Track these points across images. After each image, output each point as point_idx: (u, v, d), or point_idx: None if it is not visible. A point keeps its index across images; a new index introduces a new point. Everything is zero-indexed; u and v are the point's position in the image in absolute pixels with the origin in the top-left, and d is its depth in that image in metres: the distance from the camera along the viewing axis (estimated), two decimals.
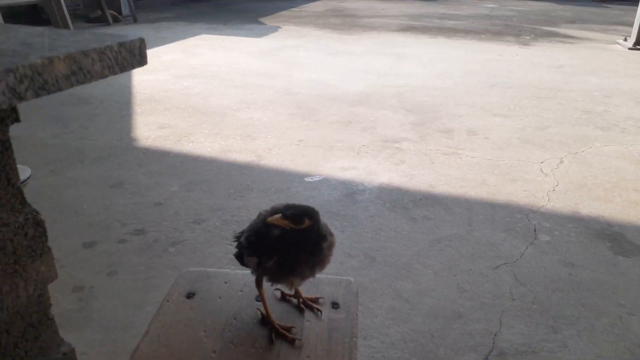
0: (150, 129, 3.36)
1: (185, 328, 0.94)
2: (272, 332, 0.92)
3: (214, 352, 0.89)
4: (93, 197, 2.41)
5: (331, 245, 0.89)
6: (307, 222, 0.82)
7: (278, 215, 0.81)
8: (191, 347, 0.89)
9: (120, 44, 0.94)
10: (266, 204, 2.38)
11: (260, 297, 0.95)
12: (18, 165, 2.69)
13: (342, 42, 6.44)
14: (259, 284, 0.95)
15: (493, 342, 1.53)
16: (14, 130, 2.76)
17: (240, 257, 0.94)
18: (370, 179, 2.69)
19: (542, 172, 2.77)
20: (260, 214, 0.92)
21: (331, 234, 0.89)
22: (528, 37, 6.94)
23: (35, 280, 1.17)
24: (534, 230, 2.17)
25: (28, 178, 2.51)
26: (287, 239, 0.83)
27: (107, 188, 2.50)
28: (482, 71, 5.03)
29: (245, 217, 2.26)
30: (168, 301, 1.02)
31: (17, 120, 1.12)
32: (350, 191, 2.55)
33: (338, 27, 7.56)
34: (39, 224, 1.18)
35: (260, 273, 0.91)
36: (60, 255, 1.91)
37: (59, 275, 1.77)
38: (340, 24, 7.83)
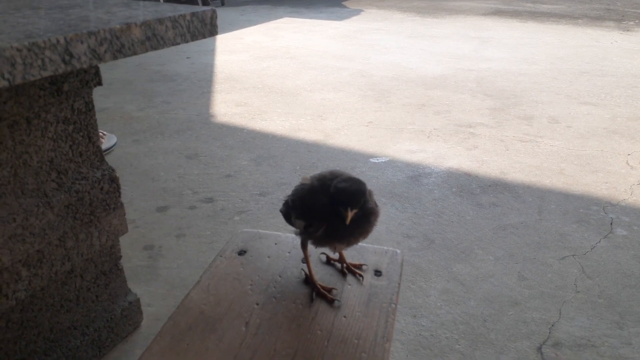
0: (228, 106, 3.52)
1: (234, 281, 1.01)
2: (313, 291, 0.96)
3: (257, 304, 0.94)
4: (170, 166, 2.58)
5: (377, 216, 0.91)
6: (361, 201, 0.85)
7: (352, 213, 0.82)
8: (237, 298, 0.95)
9: (193, 14, 1.02)
10: None
11: (305, 258, 1.00)
12: (107, 134, 2.98)
13: (424, 25, 6.30)
14: (304, 245, 0.99)
15: (549, 332, 1.48)
16: (104, 102, 3.09)
17: (287, 215, 0.98)
18: (439, 162, 2.65)
19: (629, 164, 2.58)
20: (304, 179, 0.96)
21: (376, 205, 0.91)
22: (632, 23, 6.38)
23: (107, 231, 1.30)
24: (610, 223, 2.04)
25: (114, 145, 2.73)
26: (334, 209, 0.86)
27: (183, 158, 2.67)
28: (573, 57, 4.72)
29: None
30: (221, 256, 1.09)
31: (99, 83, 1.24)
32: (416, 174, 2.52)
33: (422, 10, 7.39)
34: (114, 180, 1.30)
35: (306, 236, 0.95)
36: (136, 216, 2.08)
37: (133, 235, 1.93)
38: (425, 7, 7.64)
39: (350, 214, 0.81)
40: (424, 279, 1.73)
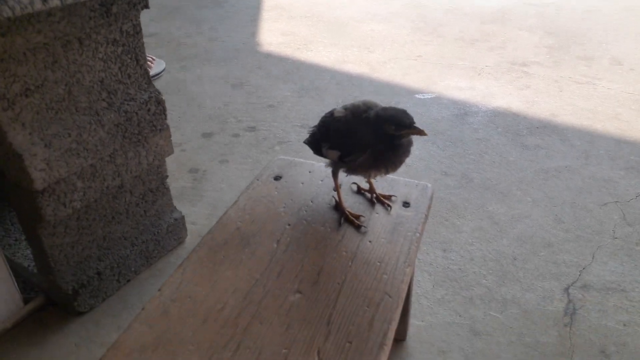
0: (274, 34, 3.49)
1: (268, 203, 1.07)
2: (342, 217, 1.01)
3: (289, 225, 1.01)
4: (215, 93, 2.64)
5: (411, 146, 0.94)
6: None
7: (417, 127, 0.86)
8: (270, 218, 1.02)
9: None
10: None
11: (335, 187, 1.04)
12: (156, 59, 3.04)
13: None
14: (335, 174, 1.03)
15: (579, 275, 1.49)
16: (153, 27, 3.12)
17: (315, 146, 1.01)
18: (487, 101, 2.58)
19: None
20: (337, 111, 0.97)
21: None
22: None
23: (154, 151, 1.38)
24: None
25: (163, 70, 2.80)
26: (377, 138, 0.88)
27: (229, 87, 2.72)
28: None
29: None
30: (258, 180, 1.15)
31: (146, 6, 1.27)
32: (462, 112, 2.48)
33: None
34: (160, 102, 1.36)
35: (340, 165, 0.98)
36: (183, 140, 2.18)
37: (179, 158, 2.03)
38: None
39: (419, 129, 0.86)
40: (458, 216, 1.75)
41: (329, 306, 0.81)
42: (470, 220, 1.73)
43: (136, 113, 1.30)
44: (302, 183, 1.14)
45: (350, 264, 0.90)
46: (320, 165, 1.21)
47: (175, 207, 1.58)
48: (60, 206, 1.16)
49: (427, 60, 3.07)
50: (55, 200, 1.14)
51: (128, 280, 1.44)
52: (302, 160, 1.25)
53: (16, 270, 1.34)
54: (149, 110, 1.33)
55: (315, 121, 2.48)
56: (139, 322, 0.79)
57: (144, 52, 1.30)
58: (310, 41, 3.38)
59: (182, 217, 1.58)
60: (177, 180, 1.90)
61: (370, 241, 0.96)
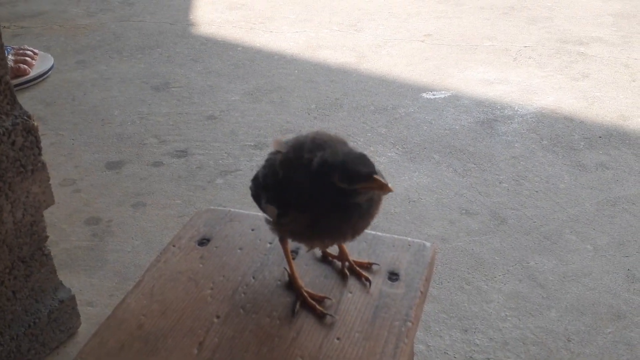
0: (217, 9, 3.53)
1: (188, 282, 1.07)
2: (298, 300, 1.01)
3: (218, 317, 1.00)
4: (128, 100, 2.64)
5: (380, 200, 0.95)
6: None
7: (379, 179, 0.87)
8: (190, 307, 1.01)
9: None
10: (358, 128, 2.46)
11: (285, 255, 1.04)
12: (40, 53, 3.09)
13: None
14: (282, 239, 1.03)
15: None
16: (38, 3, 3.17)
17: (257, 197, 1.02)
18: (526, 99, 2.62)
19: None
20: (278, 143, 0.98)
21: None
22: None
23: (24, 203, 1.37)
24: None
25: (49, 70, 2.80)
26: (321, 194, 0.88)
27: (148, 90, 2.73)
28: None
29: None
30: (174, 246, 1.15)
31: None
32: (490, 117, 2.51)
33: None
34: (30, 131, 1.36)
35: (280, 228, 0.98)
36: (77, 176, 2.17)
37: (72, 202, 2.02)
38: None
39: (382, 181, 0.87)
40: (485, 277, 1.76)
41: None
42: (503, 283, 1.74)
43: None
44: (241, 249, 1.14)
45: None
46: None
47: (61, 283, 1.56)
48: None
49: (439, 42, 3.11)
50: None
51: None
52: (241, 211, 1.25)
53: None
54: (13, 143, 1.32)
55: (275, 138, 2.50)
56: None
57: (4, 59, 1.30)
58: (269, 17, 3.41)
59: (72, 298, 1.56)
60: (67, 238, 1.89)
61: (338, 338, 0.96)
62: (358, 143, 2.36)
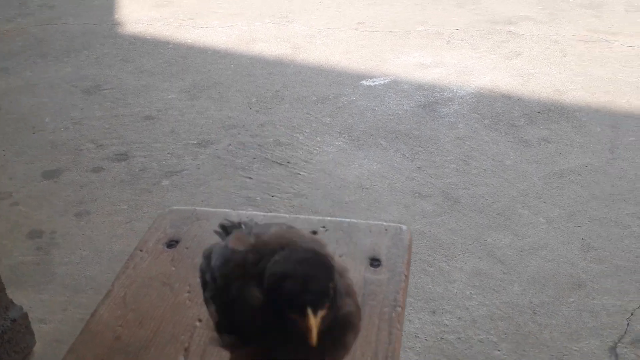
0: (142, 7, 3.44)
1: (163, 287, 1.01)
2: None
3: (200, 320, 0.95)
4: (59, 106, 2.54)
5: (357, 330, 0.71)
6: (332, 285, 0.65)
7: (312, 320, 0.61)
8: (168, 313, 0.96)
9: None
10: (302, 119, 2.43)
11: None
12: None
13: None
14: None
15: (627, 324, 1.54)
16: None
17: (203, 282, 0.80)
18: (464, 80, 2.65)
19: None
20: (237, 240, 0.76)
21: (356, 302, 0.72)
22: None
23: None
24: None
25: None
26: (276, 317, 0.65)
27: (79, 94, 2.63)
28: None
29: (271, 138, 2.31)
30: (141, 250, 1.09)
31: None
32: (431, 100, 2.53)
33: None
34: None
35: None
36: (13, 188, 2.07)
37: (10, 216, 1.92)
38: None
39: (314, 323, 0.60)
40: (446, 258, 1.77)
41: None
42: (464, 262, 1.75)
43: None
44: None
45: None
46: (238, 214, 1.17)
47: (11, 301, 1.47)
48: None
49: (372, 29, 3.12)
50: None
51: None
52: (207, 209, 1.20)
53: None
54: None
55: (219, 135, 2.46)
56: None
57: None
58: (198, 13, 3.35)
59: (25, 315, 1.48)
60: (10, 254, 1.79)
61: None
62: (304, 134, 2.33)
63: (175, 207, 1.21)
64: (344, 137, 2.31)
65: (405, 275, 1.04)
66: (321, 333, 0.62)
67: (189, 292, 1.01)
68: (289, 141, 2.30)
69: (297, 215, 1.22)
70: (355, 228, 1.13)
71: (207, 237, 1.11)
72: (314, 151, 2.24)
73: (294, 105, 2.52)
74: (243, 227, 0.82)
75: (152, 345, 0.91)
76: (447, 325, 1.57)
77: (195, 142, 2.31)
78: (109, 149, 2.27)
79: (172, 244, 1.11)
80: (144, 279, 1.03)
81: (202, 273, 0.80)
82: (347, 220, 1.17)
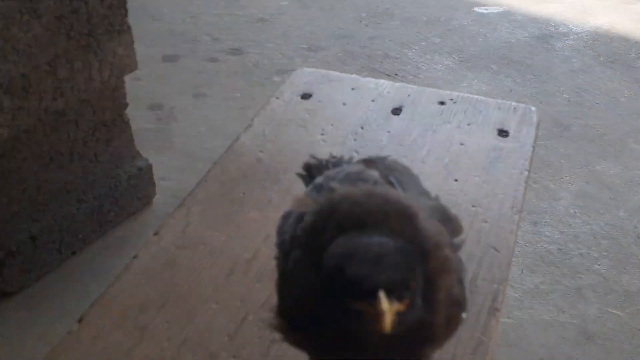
0: None
1: (298, 128, 1.08)
2: None
3: (334, 157, 1.01)
4: (176, 1, 2.63)
5: (458, 320, 0.57)
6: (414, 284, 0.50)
7: (386, 303, 0.47)
8: (305, 148, 1.02)
9: None
10: (411, 36, 2.44)
11: None
12: None
13: None
14: None
15: None
16: None
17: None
18: (580, 19, 2.61)
19: None
20: (298, 201, 0.66)
21: (461, 280, 0.57)
22: None
23: (111, 64, 1.38)
24: None
25: None
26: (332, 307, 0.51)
27: None
28: None
29: (380, 51, 2.34)
30: (278, 98, 1.16)
31: None
32: (545, 33, 2.50)
33: None
34: None
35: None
36: None
37: (133, 88, 2.02)
38: None
39: (389, 308, 0.47)
40: (552, 178, 1.78)
41: None
42: (570, 184, 1.76)
43: (85, 3, 1.29)
44: (345, 104, 1.15)
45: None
46: (367, 81, 1.22)
47: (138, 153, 1.58)
48: None
49: None
50: None
51: (73, 252, 1.46)
52: (339, 74, 1.26)
53: None
54: (102, 0, 1.33)
55: (328, 43, 2.51)
56: (132, 273, 0.80)
57: None
58: None
59: (150, 167, 1.59)
60: (133, 120, 1.89)
61: (456, 180, 0.98)
62: (413, 50, 2.35)
63: (308, 69, 1.27)
64: (454, 58, 2.32)
65: (533, 147, 1.07)
66: (392, 339, 0.49)
67: (322, 134, 1.07)
68: (397, 55, 2.32)
69: (425, 87, 1.26)
70: (483, 103, 1.17)
71: (339, 94, 1.18)
72: (423, 67, 2.26)
73: (404, 23, 2.53)
74: (328, 169, 0.72)
75: (290, 170, 0.97)
76: (548, 236, 1.60)
77: (305, 46, 2.36)
78: (224, 43, 2.35)
79: (306, 96, 1.17)
80: (281, 119, 1.10)
81: (277, 235, 0.66)
82: (476, 96, 1.20)
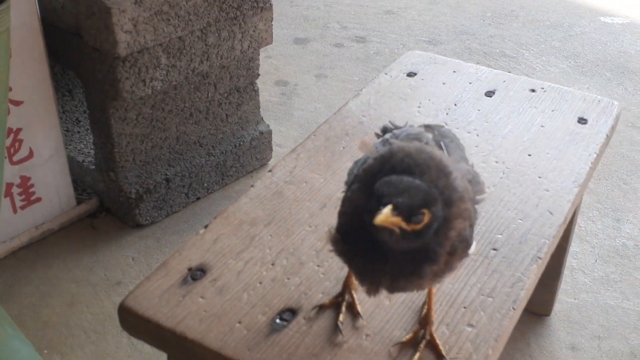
0: None
1: (399, 100, 1.25)
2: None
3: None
4: None
5: (463, 252, 0.74)
6: (426, 217, 0.66)
7: (388, 210, 0.64)
8: (402, 117, 1.19)
9: None
10: (531, 38, 2.54)
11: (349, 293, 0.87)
12: None
13: None
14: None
15: None
16: None
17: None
18: None
19: None
20: (363, 144, 0.79)
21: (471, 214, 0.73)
22: None
23: (251, 36, 1.61)
24: None
25: None
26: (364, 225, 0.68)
27: None
28: None
29: (497, 49, 2.46)
30: (386, 74, 1.34)
31: None
32: None
33: None
34: None
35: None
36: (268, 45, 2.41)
37: (264, 65, 2.26)
38: None
39: (385, 216, 0.64)
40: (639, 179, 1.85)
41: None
42: None
43: None
44: (444, 83, 1.31)
45: (501, 175, 1.07)
46: (469, 66, 1.37)
47: (262, 118, 1.80)
48: (139, 83, 1.40)
49: None
50: (135, 74, 1.39)
51: (198, 198, 1.68)
52: (444, 57, 1.41)
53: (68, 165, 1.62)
54: None
55: (448, 38, 2.65)
56: (248, 197, 1.01)
57: None
58: None
59: (270, 132, 1.80)
60: (260, 92, 2.13)
61: (529, 155, 1.12)
62: (530, 51, 2.45)
63: (417, 51, 1.44)
64: (569, 62, 2.40)
65: (607, 135, 1.19)
66: (400, 254, 0.68)
67: (419, 106, 1.24)
68: (514, 55, 2.43)
69: (520, 76, 1.40)
70: (570, 94, 1.29)
71: (440, 75, 1.34)
72: (537, 68, 2.36)
73: (526, 25, 2.63)
74: (392, 132, 0.85)
75: None
76: (627, 232, 1.68)
77: (426, 39, 2.52)
78: (351, 31, 2.55)
79: (411, 74, 1.34)
80: (385, 92, 1.28)
81: (347, 175, 0.82)
82: (566, 87, 1.33)
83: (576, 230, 1.67)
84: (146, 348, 1.32)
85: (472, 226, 0.75)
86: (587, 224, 1.71)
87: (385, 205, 0.64)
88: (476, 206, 0.77)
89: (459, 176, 0.72)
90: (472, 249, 0.76)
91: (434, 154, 0.72)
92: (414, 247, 0.68)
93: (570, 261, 1.58)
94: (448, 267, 0.72)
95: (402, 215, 0.64)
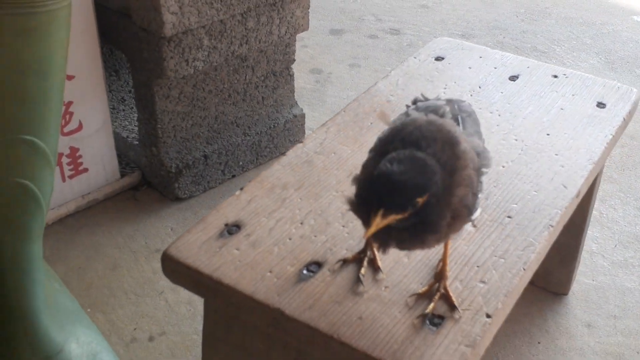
0: None
1: (426, 82, 1.32)
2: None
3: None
4: None
5: (460, 223, 0.79)
6: (421, 200, 0.71)
7: (378, 219, 0.70)
8: (429, 96, 1.26)
9: None
10: (563, 35, 2.58)
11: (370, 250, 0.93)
12: None
13: None
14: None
15: None
16: None
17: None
18: None
19: None
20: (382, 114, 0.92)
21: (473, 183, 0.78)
22: None
23: (288, 22, 1.69)
24: None
25: None
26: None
27: None
28: None
29: (529, 44, 2.50)
30: (415, 58, 1.41)
31: None
32: None
33: None
34: None
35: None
36: (305, 35, 2.48)
37: (300, 54, 2.35)
38: None
39: (375, 223, 0.71)
40: None
41: (488, 184, 1.04)
42: None
43: None
44: (470, 67, 1.38)
45: (519, 152, 1.13)
46: (495, 53, 1.44)
47: (296, 102, 1.88)
48: (182, 62, 1.49)
49: None
50: (179, 54, 1.48)
51: (233, 176, 1.77)
52: (471, 44, 1.48)
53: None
54: None
55: (482, 33, 2.70)
56: (281, 164, 1.09)
57: None
58: None
59: (303, 115, 1.88)
60: (295, 80, 2.21)
61: (548, 134, 1.18)
62: (562, 47, 2.50)
63: (446, 38, 1.50)
64: (600, 58, 2.44)
65: (624, 119, 1.24)
66: (403, 228, 0.73)
67: (444, 88, 1.31)
68: (545, 50, 2.48)
69: (544, 62, 1.46)
70: (590, 80, 1.35)
71: (466, 60, 1.40)
72: (567, 63, 2.40)
73: (559, 22, 2.67)
74: (416, 105, 0.92)
75: None
76: None
77: (459, 33, 2.57)
78: (385, 23, 2.62)
79: (439, 58, 1.41)
80: (413, 74, 1.35)
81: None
82: (587, 74, 1.39)
83: (597, 217, 1.73)
84: (182, 309, 1.42)
85: (475, 194, 0.79)
86: (608, 211, 1.76)
87: (375, 212, 0.70)
88: (482, 178, 0.82)
89: (467, 147, 0.78)
90: (477, 214, 0.81)
91: (443, 126, 0.78)
92: (416, 221, 0.73)
93: (591, 245, 1.63)
94: (451, 229, 0.78)
95: (395, 212, 0.71)
